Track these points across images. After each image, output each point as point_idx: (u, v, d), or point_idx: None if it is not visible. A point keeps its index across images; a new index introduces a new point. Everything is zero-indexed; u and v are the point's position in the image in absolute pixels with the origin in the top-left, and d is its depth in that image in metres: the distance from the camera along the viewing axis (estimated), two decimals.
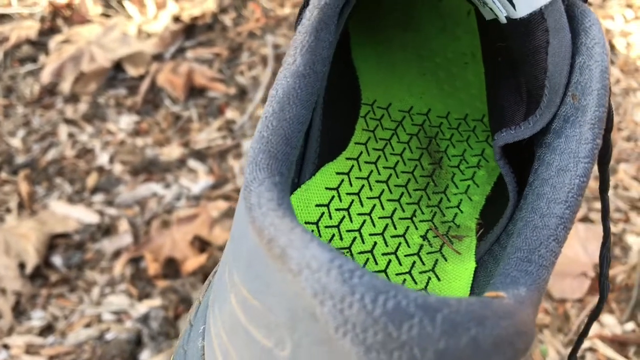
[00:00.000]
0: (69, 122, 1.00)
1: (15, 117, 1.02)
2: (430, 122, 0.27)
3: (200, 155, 0.91)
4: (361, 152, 0.24)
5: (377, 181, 0.24)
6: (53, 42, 1.12)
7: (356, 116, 0.25)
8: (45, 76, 1.05)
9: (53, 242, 0.82)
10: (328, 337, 0.12)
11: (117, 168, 0.91)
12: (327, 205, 0.21)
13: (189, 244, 0.77)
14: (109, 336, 0.72)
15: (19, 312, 0.76)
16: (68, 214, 0.85)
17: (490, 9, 0.20)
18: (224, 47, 1.08)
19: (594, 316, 0.24)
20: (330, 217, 0.21)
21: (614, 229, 0.72)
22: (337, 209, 0.22)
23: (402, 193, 0.24)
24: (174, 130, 0.96)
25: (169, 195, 0.86)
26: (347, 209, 0.22)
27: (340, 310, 0.11)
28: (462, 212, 0.25)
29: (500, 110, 0.22)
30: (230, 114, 0.96)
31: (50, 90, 1.05)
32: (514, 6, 0.18)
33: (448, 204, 0.25)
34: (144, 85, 1.02)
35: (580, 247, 0.68)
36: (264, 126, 0.16)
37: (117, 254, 0.80)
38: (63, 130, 0.98)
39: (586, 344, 0.63)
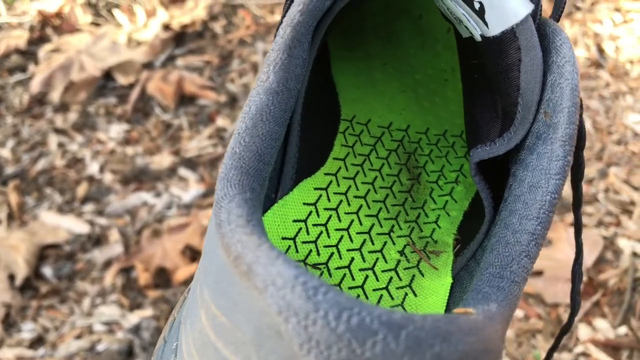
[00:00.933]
0: (58, 131, 0.99)
1: (4, 127, 1.01)
2: (410, 138, 0.28)
3: (191, 164, 0.91)
4: (340, 168, 0.24)
5: (356, 196, 0.24)
6: (42, 51, 1.11)
7: (335, 132, 0.25)
8: (35, 86, 1.05)
9: (43, 253, 0.82)
10: (293, 354, 0.12)
11: (108, 177, 0.91)
12: (305, 221, 0.21)
13: (180, 253, 0.77)
14: (100, 347, 0.71)
15: (9, 324, 0.75)
16: (58, 224, 0.85)
17: (466, 27, 0.20)
18: (215, 54, 1.08)
19: (564, 331, 0.24)
20: (308, 233, 0.21)
21: (605, 233, 0.72)
22: (314, 225, 0.21)
23: (380, 208, 0.24)
24: (165, 139, 0.95)
25: (160, 204, 0.86)
26: (325, 225, 0.22)
27: (305, 327, 0.11)
28: (439, 227, 0.25)
29: (477, 127, 0.22)
30: (220, 121, 0.96)
31: (40, 99, 1.04)
32: (487, 24, 0.19)
33: (426, 220, 0.25)
34: (134, 94, 1.02)
35: (572, 251, 0.68)
36: (236, 142, 0.16)
37: (107, 264, 0.79)
38: (53, 140, 0.98)
39: (579, 348, 0.63)
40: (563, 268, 0.67)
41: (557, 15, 0.20)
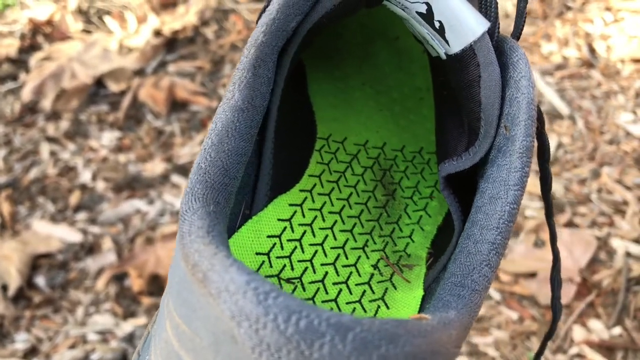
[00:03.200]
0: (50, 140, 0.99)
1: None
2: (385, 155, 0.28)
3: (184, 170, 0.90)
4: (315, 184, 0.24)
5: (330, 212, 0.24)
6: (33, 59, 1.11)
7: (311, 150, 0.26)
8: (26, 94, 1.04)
9: (36, 263, 0.81)
10: (247, 357, 0.12)
11: (100, 185, 0.91)
12: (279, 236, 0.21)
13: None
14: (94, 357, 0.71)
15: (3, 335, 0.75)
16: (51, 234, 0.84)
17: (432, 46, 0.20)
18: (206, 60, 1.08)
19: (547, 337, 0.24)
20: (282, 248, 0.21)
21: (598, 233, 0.71)
22: (288, 240, 0.22)
23: (355, 224, 0.24)
24: (157, 146, 0.95)
25: (153, 211, 0.85)
26: (299, 240, 0.22)
27: (256, 330, 0.12)
28: (413, 241, 0.25)
29: (446, 142, 0.23)
30: None
31: (31, 108, 1.04)
32: (447, 43, 0.19)
33: (400, 234, 0.25)
34: (126, 101, 1.01)
35: (566, 251, 0.68)
36: (202, 158, 0.17)
37: (100, 273, 0.79)
38: (45, 149, 0.97)
39: (574, 350, 0.63)
40: None
41: (517, 33, 0.20)
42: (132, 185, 0.90)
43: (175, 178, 0.89)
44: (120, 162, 0.93)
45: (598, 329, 0.64)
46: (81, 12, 1.23)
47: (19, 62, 1.14)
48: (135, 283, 0.75)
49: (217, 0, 1.19)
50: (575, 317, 0.65)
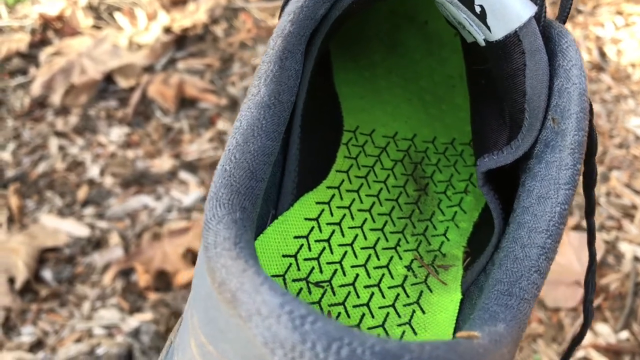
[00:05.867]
0: (59, 134, 0.99)
1: (5, 130, 1.01)
2: (416, 148, 0.27)
3: (192, 167, 0.90)
4: (343, 180, 0.23)
5: (360, 210, 0.23)
6: (43, 54, 1.11)
7: (337, 144, 0.24)
8: (36, 89, 1.05)
9: (43, 257, 0.82)
10: None
11: (108, 181, 0.91)
12: (307, 237, 0.20)
13: (180, 256, 0.76)
14: (99, 351, 0.71)
15: (9, 327, 0.75)
16: (58, 228, 0.85)
17: (469, 31, 0.19)
18: (215, 57, 1.08)
19: (576, 341, 0.23)
20: (310, 249, 0.20)
21: (606, 236, 0.71)
22: (316, 240, 0.21)
23: (386, 221, 0.23)
24: (165, 142, 0.95)
25: (160, 207, 0.86)
26: (328, 240, 0.21)
27: (292, 359, 0.11)
28: (448, 240, 0.24)
29: (484, 135, 0.21)
30: (221, 124, 0.96)
31: (41, 102, 1.04)
32: (489, 29, 0.18)
33: (434, 232, 0.24)
34: (135, 97, 1.02)
35: (574, 255, 0.68)
36: (226, 159, 0.16)
37: (107, 268, 0.79)
38: (53, 143, 0.98)
39: (580, 353, 0.62)
40: (564, 272, 0.67)
41: (563, 17, 0.19)
42: (140, 181, 0.90)
43: (183, 174, 0.89)
44: (128, 158, 0.94)
45: (605, 332, 0.63)
46: (91, 8, 1.23)
47: (29, 56, 1.14)
48: (142, 278, 0.75)
49: None
50: (582, 321, 0.65)
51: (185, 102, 1.00)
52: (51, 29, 1.20)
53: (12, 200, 0.89)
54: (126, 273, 0.78)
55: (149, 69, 1.07)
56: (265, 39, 1.11)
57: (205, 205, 0.15)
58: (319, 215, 0.21)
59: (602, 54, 0.92)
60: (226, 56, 1.08)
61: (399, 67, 0.28)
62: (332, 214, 0.22)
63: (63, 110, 1.03)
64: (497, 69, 0.19)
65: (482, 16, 0.18)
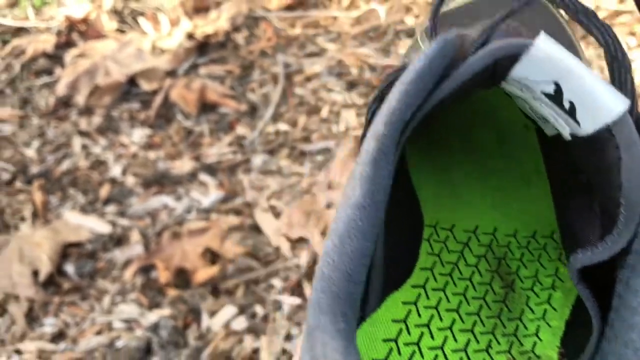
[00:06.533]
0: (83, 134, 1.02)
1: (30, 128, 1.04)
2: (498, 242, 0.26)
3: (211, 169, 0.93)
4: (427, 279, 0.23)
5: (447, 310, 0.22)
6: (69, 55, 1.15)
7: (419, 240, 0.24)
8: (61, 89, 1.08)
9: (66, 251, 0.84)
10: None
11: (130, 180, 0.93)
12: (395, 340, 0.20)
13: (199, 255, 0.79)
14: (119, 344, 0.74)
15: (32, 318, 0.78)
16: (81, 224, 0.87)
17: (553, 125, 0.19)
18: (236, 64, 1.11)
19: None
20: (400, 353, 0.20)
21: None
22: (406, 344, 0.20)
23: (475, 322, 0.22)
24: (186, 145, 0.98)
25: (180, 207, 0.88)
26: (417, 343, 0.20)
27: None
28: (541, 340, 0.22)
29: (573, 229, 0.21)
30: (240, 129, 0.98)
31: (65, 102, 1.07)
32: (578, 123, 0.17)
33: (525, 332, 0.23)
34: (157, 100, 1.04)
35: None
36: (324, 262, 0.15)
37: (128, 264, 0.82)
38: (77, 142, 1.01)
39: None
40: None
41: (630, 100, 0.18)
42: (160, 182, 0.92)
43: (203, 176, 0.92)
44: (149, 159, 0.96)
45: None
46: (116, 12, 1.27)
47: (55, 57, 1.17)
48: (162, 275, 0.78)
49: (248, 8, 1.22)
50: None
51: (206, 107, 1.03)
52: (76, 31, 1.23)
53: (36, 196, 0.92)
54: (146, 270, 0.81)
55: (171, 73, 1.10)
56: (285, 47, 1.13)
57: (308, 311, 0.15)
58: (407, 317, 0.21)
59: None
60: (246, 63, 1.11)
61: (474, 163, 0.28)
62: (419, 315, 0.21)
63: (87, 111, 1.06)
64: (587, 162, 0.18)
65: (571, 111, 0.17)
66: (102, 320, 0.77)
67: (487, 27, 0.18)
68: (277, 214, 0.85)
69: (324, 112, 0.99)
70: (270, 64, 1.10)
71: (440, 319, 0.22)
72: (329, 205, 0.84)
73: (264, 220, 0.84)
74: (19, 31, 1.24)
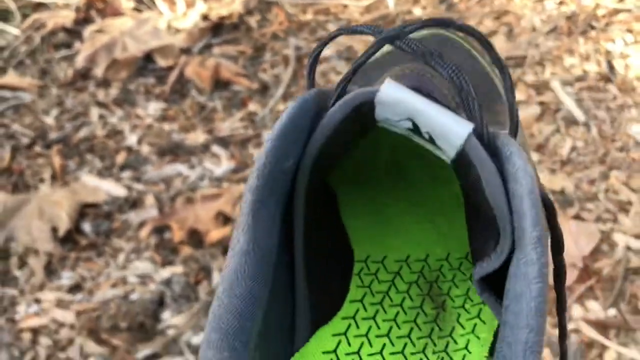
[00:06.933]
0: (100, 104, 1.06)
1: (49, 98, 1.08)
2: (430, 267, 0.27)
3: (223, 142, 0.98)
4: (358, 310, 0.24)
5: (377, 336, 0.23)
6: (87, 30, 1.19)
7: (349, 274, 0.25)
8: (80, 61, 1.12)
9: (83, 211, 0.89)
10: None
11: (145, 149, 0.98)
12: None
13: (212, 218, 0.83)
14: (133, 296, 0.78)
15: (50, 271, 0.82)
16: (98, 187, 0.92)
17: (437, 155, 0.20)
18: (249, 46, 1.15)
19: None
20: None
21: (603, 227, 0.78)
22: None
23: (406, 344, 0.23)
24: (199, 119, 1.02)
25: (193, 175, 0.93)
26: None
27: None
28: (470, 352, 0.24)
29: (477, 245, 0.22)
30: (252, 106, 1.03)
31: (84, 74, 1.12)
32: (442, 151, 0.19)
33: (455, 347, 0.24)
34: (173, 76, 1.09)
35: (572, 240, 0.75)
36: (215, 306, 0.17)
37: (143, 225, 0.86)
38: (94, 112, 1.05)
39: (571, 325, 0.69)
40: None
41: (512, 128, 0.21)
42: (174, 151, 0.97)
43: (215, 148, 0.97)
44: (164, 130, 1.01)
45: (595, 309, 0.70)
46: None
47: (74, 32, 1.22)
48: (176, 235, 0.82)
49: None
50: (575, 297, 0.72)
51: (219, 84, 1.08)
52: (94, 9, 1.27)
53: (55, 160, 0.96)
54: (160, 231, 0.85)
55: (186, 51, 1.14)
56: (296, 32, 1.18)
57: (200, 349, 0.16)
58: (337, 347, 0.22)
59: (611, 67, 0.99)
60: (258, 45, 1.16)
61: (407, 193, 0.28)
62: (349, 344, 0.22)
63: (104, 83, 1.10)
64: (465, 182, 0.21)
65: (432, 141, 0.19)
66: (117, 275, 0.81)
67: (340, 81, 0.19)
68: None
69: None
70: (282, 47, 1.15)
71: (371, 345, 0.23)
72: None
73: None
74: (39, 6, 1.28)
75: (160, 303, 0.77)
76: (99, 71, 1.11)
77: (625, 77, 0.97)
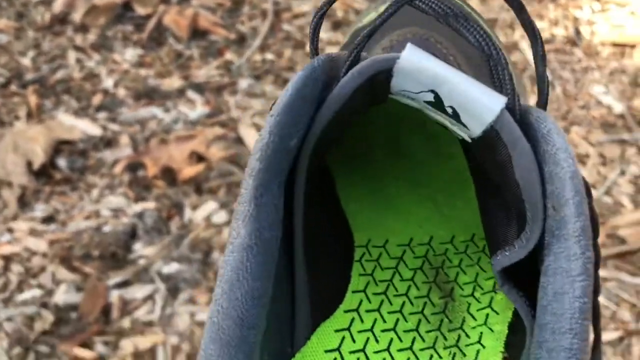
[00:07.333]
0: (77, 48, 1.07)
1: (25, 40, 1.09)
2: (435, 251, 0.25)
3: (199, 88, 0.99)
4: (361, 301, 0.22)
5: (384, 330, 0.21)
6: None
7: (350, 261, 0.23)
8: (57, 5, 1.12)
9: (58, 148, 0.90)
10: None
11: (121, 92, 0.99)
12: None
13: (186, 157, 0.85)
14: (106, 228, 0.80)
15: (24, 203, 0.84)
16: (74, 125, 0.93)
17: (454, 130, 0.19)
18: None
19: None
20: None
21: None
22: None
23: (414, 338, 0.22)
24: (176, 66, 1.04)
25: (168, 118, 0.94)
26: None
27: None
28: (484, 347, 0.22)
29: (494, 230, 0.20)
30: (229, 55, 1.05)
31: (62, 19, 1.12)
32: (466, 127, 0.18)
33: (467, 341, 0.22)
34: (151, 24, 1.10)
35: None
36: (214, 311, 0.15)
37: (117, 162, 0.88)
38: (71, 56, 1.06)
39: None
40: None
41: (542, 101, 0.19)
42: (150, 95, 0.98)
43: (191, 94, 0.98)
44: (140, 75, 1.02)
45: None
46: None
47: None
48: (150, 170, 0.84)
49: None
50: None
51: (196, 33, 1.09)
52: None
53: (30, 99, 0.97)
54: (134, 169, 0.87)
55: (165, 1, 1.15)
56: None
57: None
58: (340, 344, 0.20)
59: (578, 32, 1.02)
60: None
61: (406, 171, 0.26)
62: (354, 340, 0.21)
63: (82, 28, 1.11)
64: (488, 163, 0.19)
65: (455, 116, 0.18)
66: (90, 208, 0.83)
67: (353, 47, 0.18)
68: (259, 129, 0.91)
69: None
70: (260, 1, 1.16)
71: (377, 340, 0.21)
72: None
73: (248, 134, 0.91)
74: None
75: (132, 235, 0.79)
76: (77, 16, 1.11)
77: (591, 42, 1.01)
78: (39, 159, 0.86)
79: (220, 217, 0.80)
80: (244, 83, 1.00)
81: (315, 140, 0.17)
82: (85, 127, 0.93)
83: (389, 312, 0.22)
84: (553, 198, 0.15)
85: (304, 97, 0.17)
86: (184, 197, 0.83)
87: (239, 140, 0.90)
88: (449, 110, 0.17)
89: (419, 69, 0.16)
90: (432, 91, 0.17)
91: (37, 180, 0.86)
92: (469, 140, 0.18)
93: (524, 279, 0.18)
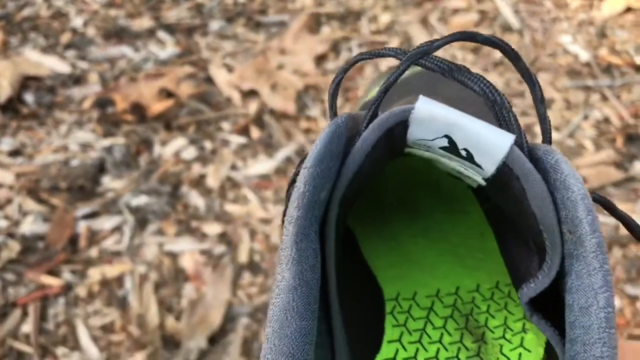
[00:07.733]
0: None
1: None
2: (462, 300, 0.26)
3: (170, 29, 0.98)
4: (397, 350, 0.23)
5: None
6: None
7: (382, 314, 0.24)
8: None
9: (25, 83, 0.89)
10: None
11: (90, 31, 0.98)
12: None
13: (155, 94, 0.85)
14: (74, 162, 0.79)
15: None
16: (41, 62, 0.92)
17: (468, 176, 0.20)
18: None
19: None
20: None
21: (527, 120, 0.84)
22: None
23: None
24: (146, 7, 1.02)
25: (138, 57, 0.93)
26: None
27: None
28: None
29: (516, 267, 0.21)
30: None
31: None
32: (480, 167, 0.19)
33: None
34: None
35: None
36: (267, 349, 0.16)
37: (85, 99, 0.87)
38: None
39: None
40: None
41: (547, 139, 0.19)
42: (120, 35, 0.97)
43: (161, 34, 0.97)
44: (110, 16, 1.01)
45: None
46: None
47: None
48: (120, 106, 0.84)
49: None
50: None
51: None
52: None
53: None
54: (103, 105, 0.86)
55: None
56: None
57: None
58: None
59: None
60: None
61: (423, 229, 0.28)
62: None
63: None
64: (503, 200, 0.20)
65: (469, 158, 0.18)
66: (58, 143, 0.82)
67: (371, 103, 0.19)
68: (230, 70, 0.91)
69: None
70: None
71: None
72: (280, 67, 0.91)
73: (218, 73, 0.90)
74: None
75: (100, 169, 0.79)
76: None
77: None
78: (5, 93, 0.85)
79: (190, 153, 0.80)
80: (215, 25, 0.99)
81: (343, 192, 0.18)
82: (53, 64, 0.92)
83: (425, 359, 0.23)
84: (567, 222, 0.16)
85: (331, 152, 0.18)
86: (153, 133, 0.83)
87: (209, 80, 0.90)
88: (463, 153, 0.18)
89: (433, 116, 0.18)
90: (446, 136, 0.18)
91: (4, 115, 0.85)
92: (483, 184, 0.20)
93: (551, 311, 0.19)
